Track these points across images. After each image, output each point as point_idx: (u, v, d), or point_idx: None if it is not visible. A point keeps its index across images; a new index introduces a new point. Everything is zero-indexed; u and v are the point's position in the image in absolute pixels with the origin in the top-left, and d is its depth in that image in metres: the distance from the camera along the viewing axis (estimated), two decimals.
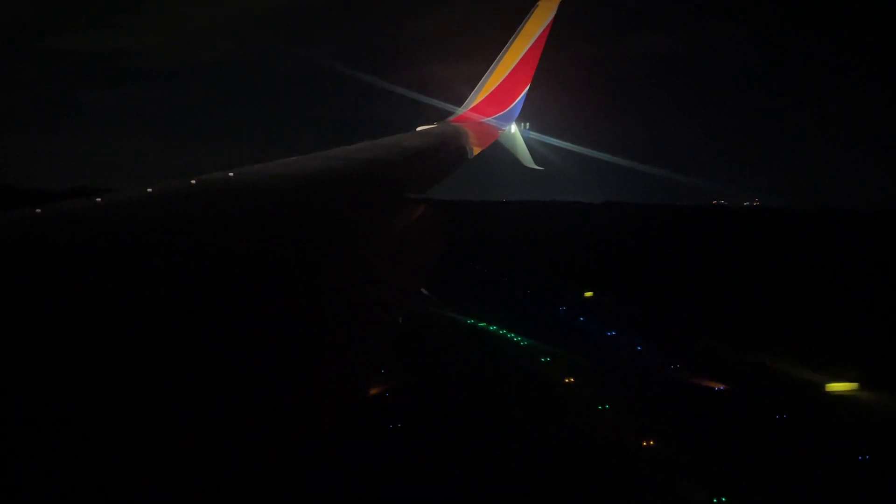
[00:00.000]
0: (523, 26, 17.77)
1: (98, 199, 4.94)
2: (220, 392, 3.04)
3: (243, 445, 2.89)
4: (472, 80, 18.52)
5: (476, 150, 14.44)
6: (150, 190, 5.47)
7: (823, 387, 41.69)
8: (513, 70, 17.76)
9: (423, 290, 7.72)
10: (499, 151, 17.86)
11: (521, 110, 18.35)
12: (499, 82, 17.84)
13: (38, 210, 4.39)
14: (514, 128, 18.09)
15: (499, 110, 17.87)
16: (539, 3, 17.78)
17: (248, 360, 3.46)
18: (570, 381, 40.33)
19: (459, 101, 18.43)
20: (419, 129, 15.19)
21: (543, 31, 17.66)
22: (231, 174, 6.52)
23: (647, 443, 31.63)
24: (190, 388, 2.92)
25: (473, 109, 17.87)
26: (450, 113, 17.95)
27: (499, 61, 18.01)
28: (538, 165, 18.93)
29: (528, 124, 18.42)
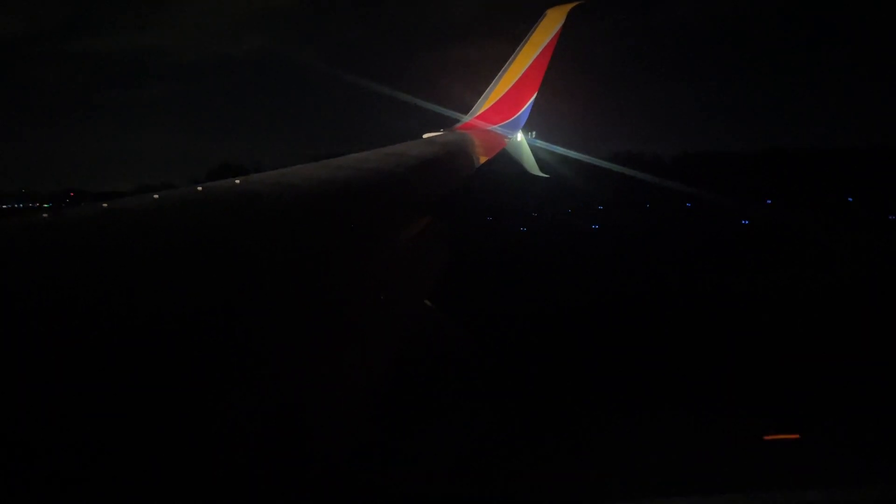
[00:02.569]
0: (532, 34, 17.74)
1: (105, 205, 4.91)
2: (216, 397, 3.04)
3: (241, 450, 2.91)
4: (479, 88, 18.53)
5: (483, 159, 14.38)
6: (155, 196, 5.43)
7: None
8: (520, 78, 17.72)
9: (426, 301, 7.66)
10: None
11: (528, 118, 18.32)
12: (506, 90, 17.80)
13: (45, 215, 4.36)
14: (520, 136, 18.04)
15: (506, 118, 17.83)
16: (548, 11, 17.76)
17: (248, 369, 3.44)
18: None
19: (466, 108, 18.42)
20: (426, 136, 15.15)
21: (552, 38, 17.62)
22: (237, 181, 6.48)
23: None
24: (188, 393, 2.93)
25: (480, 117, 17.83)
26: (456, 120, 17.93)
27: (506, 69, 17.98)
28: (544, 173, 18.88)
29: (534, 133, 18.39)
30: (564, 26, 17.59)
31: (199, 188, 5.89)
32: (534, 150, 18.28)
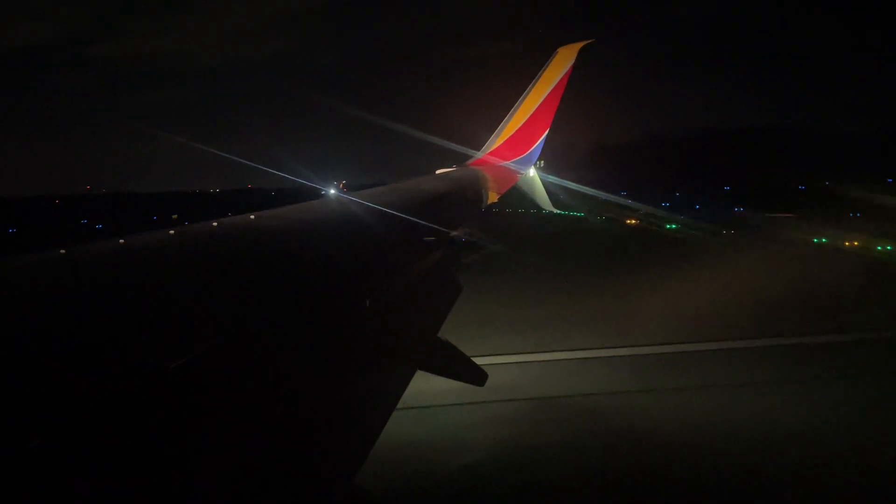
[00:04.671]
0: (543, 72, 17.99)
1: (121, 241, 5.01)
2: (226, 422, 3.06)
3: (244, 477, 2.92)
4: (492, 125, 18.75)
5: (495, 195, 14.49)
6: (171, 232, 5.53)
7: None
8: (532, 115, 17.92)
9: (438, 336, 7.65)
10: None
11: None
12: (518, 126, 17.99)
13: (62, 251, 4.45)
14: (532, 171, 18.18)
15: (518, 154, 17.99)
16: (559, 49, 18.03)
17: (262, 399, 3.47)
18: None
19: (478, 145, 18.62)
20: (438, 171, 15.31)
21: (563, 77, 17.85)
22: (252, 216, 6.59)
23: None
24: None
25: (492, 153, 18.01)
26: (469, 156, 18.11)
27: (518, 106, 18.20)
28: (556, 209, 18.96)
29: (542, 162, 18.47)
30: (575, 64, 17.84)
31: (214, 224, 5.99)
32: (546, 185, 18.39)
